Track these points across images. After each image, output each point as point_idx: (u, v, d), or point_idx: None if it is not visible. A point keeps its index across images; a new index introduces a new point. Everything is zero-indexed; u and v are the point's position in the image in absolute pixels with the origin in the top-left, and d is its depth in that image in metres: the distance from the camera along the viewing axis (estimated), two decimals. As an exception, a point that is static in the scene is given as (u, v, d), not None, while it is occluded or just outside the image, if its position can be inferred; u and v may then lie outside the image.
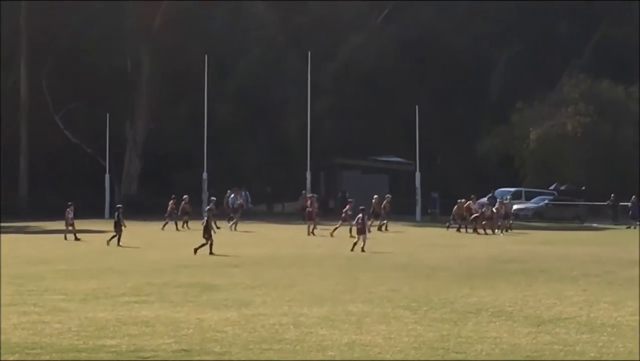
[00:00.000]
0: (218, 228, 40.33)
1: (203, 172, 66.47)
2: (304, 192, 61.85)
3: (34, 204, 69.28)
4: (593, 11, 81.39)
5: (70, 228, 42.88)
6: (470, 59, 79.00)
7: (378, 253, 34.61)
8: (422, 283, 24.21)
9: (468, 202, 51.15)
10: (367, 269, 28.22)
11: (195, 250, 33.32)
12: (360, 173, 77.67)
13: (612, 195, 63.99)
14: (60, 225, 44.32)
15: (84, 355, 14.22)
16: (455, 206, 51.18)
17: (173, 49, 72.36)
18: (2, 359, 13.92)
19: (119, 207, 40.80)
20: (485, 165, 74.87)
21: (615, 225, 60.39)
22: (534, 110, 73.06)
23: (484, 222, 49.76)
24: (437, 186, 67.65)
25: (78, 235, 42.66)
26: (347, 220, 45.13)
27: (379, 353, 14.42)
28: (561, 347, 14.95)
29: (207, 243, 33.58)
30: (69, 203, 43.76)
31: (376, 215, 50.31)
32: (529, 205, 66.02)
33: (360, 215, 37.22)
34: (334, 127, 76.44)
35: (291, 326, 16.69)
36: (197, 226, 50.45)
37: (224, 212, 53.61)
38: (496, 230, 49.51)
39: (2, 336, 15.54)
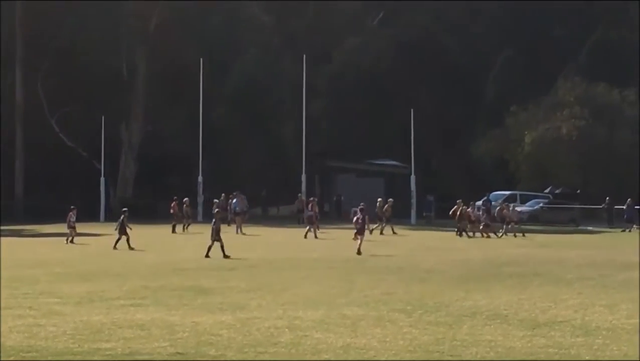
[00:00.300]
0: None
1: (198, 175, 66.46)
2: (300, 195, 61.85)
3: (30, 207, 69.29)
4: (588, 14, 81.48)
5: (71, 231, 42.94)
6: (465, 62, 79.13)
7: (373, 256, 34.57)
8: (417, 286, 24.21)
9: (466, 208, 50.61)
10: (362, 272, 28.21)
11: (207, 254, 33.19)
12: (355, 176, 77.72)
13: (607, 198, 64.02)
14: (55, 228, 44.28)
15: (79, 358, 14.20)
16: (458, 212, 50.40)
17: (169, 51, 72.35)
18: (-3, 362, 13.92)
19: (125, 210, 40.73)
20: (480, 169, 74.93)
21: (611, 228, 60.39)
22: (529, 113, 73.19)
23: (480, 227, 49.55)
24: (432, 189, 67.67)
25: (69, 241, 42.47)
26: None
27: (374, 356, 14.41)
28: (556, 350, 14.95)
29: (212, 245, 33.48)
30: (72, 207, 43.90)
31: (379, 218, 50.48)
32: (524, 208, 66.02)
33: (360, 215, 37.00)
34: (330, 130, 76.52)
35: (286, 330, 16.68)
36: (196, 229, 50.85)
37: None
38: (499, 233, 49.28)
39: (-2, 340, 15.54)
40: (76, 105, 71.80)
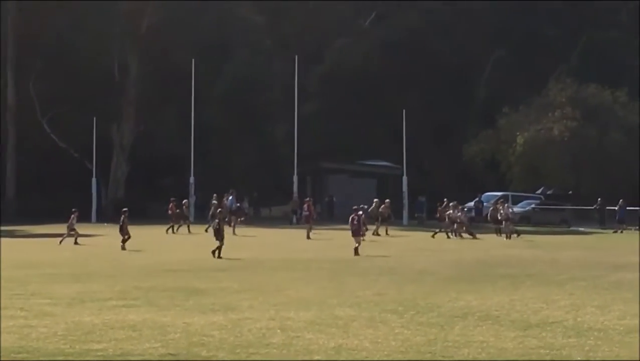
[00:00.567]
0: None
1: (190, 175, 66.39)
2: (295, 195, 61.93)
3: (21, 208, 69.18)
4: (580, 15, 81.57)
5: (71, 232, 42.96)
6: (457, 63, 79.13)
7: (365, 257, 34.57)
8: (409, 287, 24.21)
9: (445, 210, 50.76)
10: (354, 273, 28.20)
11: (214, 254, 33.19)
12: (347, 177, 77.75)
13: (599, 199, 64.11)
14: (47, 228, 44.26)
15: (70, 359, 14.17)
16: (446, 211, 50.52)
17: (161, 52, 72.27)
18: (-12, 363, 13.89)
19: (125, 211, 40.80)
20: (472, 169, 74.98)
21: (602, 229, 60.47)
22: (521, 114, 73.25)
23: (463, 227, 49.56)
24: (424, 190, 67.69)
25: (62, 242, 42.38)
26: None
27: (366, 357, 14.41)
28: (548, 351, 14.96)
29: (222, 245, 33.54)
30: (73, 210, 44.07)
31: (376, 219, 50.54)
32: (516, 209, 66.01)
33: (355, 215, 36.92)
34: (321, 131, 76.47)
35: (278, 331, 16.66)
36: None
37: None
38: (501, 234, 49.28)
39: (-12, 341, 15.50)
40: (68, 106, 71.65)
